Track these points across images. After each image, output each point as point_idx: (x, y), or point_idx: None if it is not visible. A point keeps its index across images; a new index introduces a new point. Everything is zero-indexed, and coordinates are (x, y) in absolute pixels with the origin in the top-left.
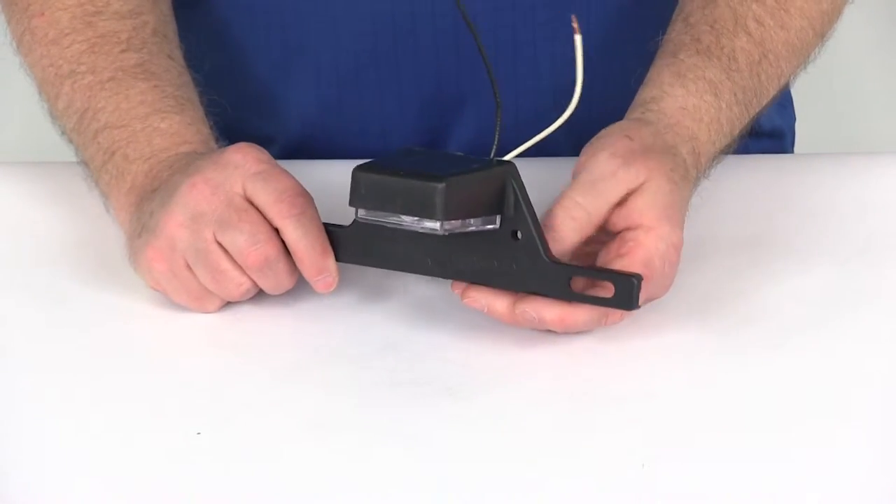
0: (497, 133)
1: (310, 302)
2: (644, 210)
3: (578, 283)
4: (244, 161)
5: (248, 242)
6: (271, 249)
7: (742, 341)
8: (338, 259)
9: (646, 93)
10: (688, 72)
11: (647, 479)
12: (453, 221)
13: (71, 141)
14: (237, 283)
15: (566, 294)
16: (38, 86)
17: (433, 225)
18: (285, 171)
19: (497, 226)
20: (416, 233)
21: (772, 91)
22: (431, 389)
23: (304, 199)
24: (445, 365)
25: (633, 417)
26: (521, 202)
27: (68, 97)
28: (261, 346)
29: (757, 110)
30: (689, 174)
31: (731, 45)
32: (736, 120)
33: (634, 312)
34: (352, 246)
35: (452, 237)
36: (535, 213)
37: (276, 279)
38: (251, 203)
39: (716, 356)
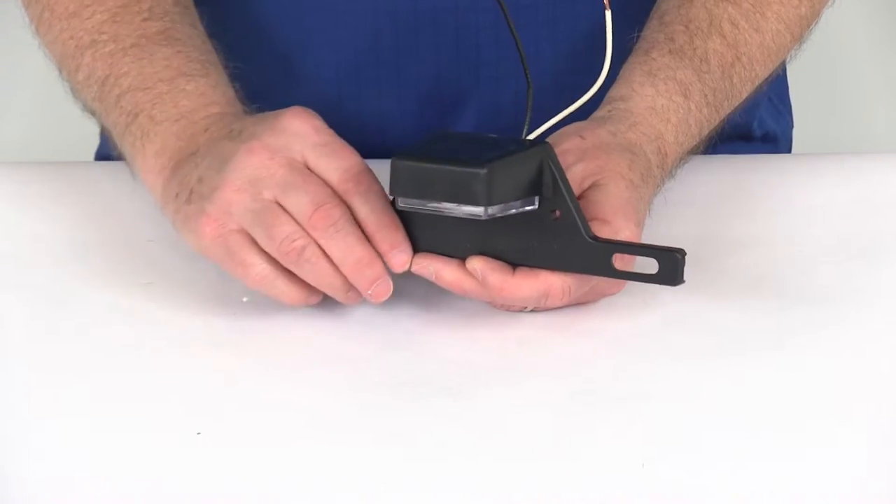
0: (528, 113)
1: None
2: (598, 203)
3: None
4: (303, 129)
5: (312, 203)
6: (337, 210)
7: (742, 341)
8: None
9: (616, 91)
10: (658, 71)
11: (647, 479)
12: (495, 206)
13: (93, 113)
14: (292, 239)
15: (610, 271)
16: (58, 62)
17: (477, 210)
18: (347, 145)
19: (536, 206)
20: (456, 218)
21: (744, 93)
22: (431, 389)
23: (369, 175)
24: (445, 365)
25: (633, 417)
26: (560, 182)
27: (89, 67)
28: (261, 346)
29: (728, 112)
30: (651, 173)
31: (704, 47)
32: (705, 121)
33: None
34: None
35: (492, 220)
36: (572, 191)
37: (344, 243)
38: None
39: (716, 356)
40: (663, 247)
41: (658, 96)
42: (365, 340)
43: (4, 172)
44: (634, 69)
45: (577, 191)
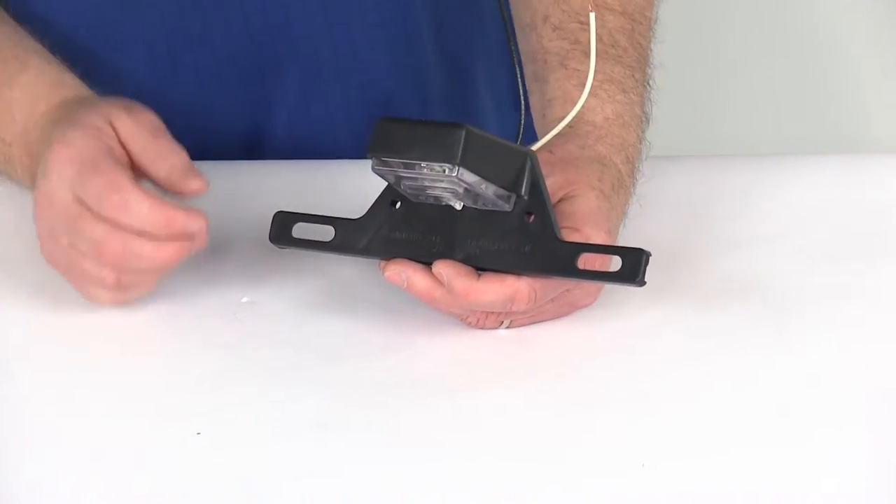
0: (521, 120)
1: (310, 302)
2: (569, 213)
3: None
4: (60, 167)
5: (94, 244)
6: (118, 243)
7: (742, 341)
8: (348, 250)
9: (560, 110)
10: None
11: (647, 479)
12: (469, 175)
13: None
14: (101, 277)
15: (574, 272)
16: None
17: (450, 171)
18: (101, 160)
19: (510, 208)
20: (427, 217)
21: (650, 51)
22: (431, 389)
23: (120, 195)
24: (445, 365)
25: (633, 417)
26: (540, 184)
27: None
28: (261, 346)
29: (647, 75)
30: (622, 183)
31: (607, 29)
32: (643, 103)
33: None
34: (361, 237)
35: (462, 219)
36: (549, 197)
37: (141, 262)
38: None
39: (716, 356)
40: (628, 247)
41: (605, 104)
42: (365, 340)
43: None
44: (564, 85)
45: None
